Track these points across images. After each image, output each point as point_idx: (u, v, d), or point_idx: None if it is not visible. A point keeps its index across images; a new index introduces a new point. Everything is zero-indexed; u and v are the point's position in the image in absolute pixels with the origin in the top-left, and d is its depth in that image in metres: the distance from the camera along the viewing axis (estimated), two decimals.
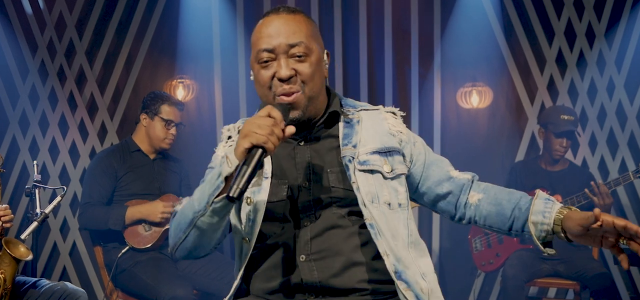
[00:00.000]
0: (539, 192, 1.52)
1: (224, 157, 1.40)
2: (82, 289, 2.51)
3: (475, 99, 4.21)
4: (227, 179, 1.38)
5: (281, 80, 1.47)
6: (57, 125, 4.22)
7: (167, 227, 3.06)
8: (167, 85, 4.26)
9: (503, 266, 3.35)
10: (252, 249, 1.49)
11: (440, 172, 1.62)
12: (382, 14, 4.15)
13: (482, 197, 1.58)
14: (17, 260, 2.33)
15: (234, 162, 1.36)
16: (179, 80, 4.26)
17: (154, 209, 3.02)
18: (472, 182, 1.62)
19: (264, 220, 1.48)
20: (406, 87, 4.21)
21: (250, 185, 1.32)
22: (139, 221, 3.03)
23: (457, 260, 4.06)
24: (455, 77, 4.23)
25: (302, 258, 1.45)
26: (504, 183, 3.64)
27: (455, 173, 1.63)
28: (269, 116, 1.37)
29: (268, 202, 1.48)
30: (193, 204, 1.45)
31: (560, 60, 4.14)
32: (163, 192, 3.18)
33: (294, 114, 1.48)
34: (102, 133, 4.24)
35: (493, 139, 4.24)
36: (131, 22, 4.23)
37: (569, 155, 3.77)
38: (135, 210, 3.02)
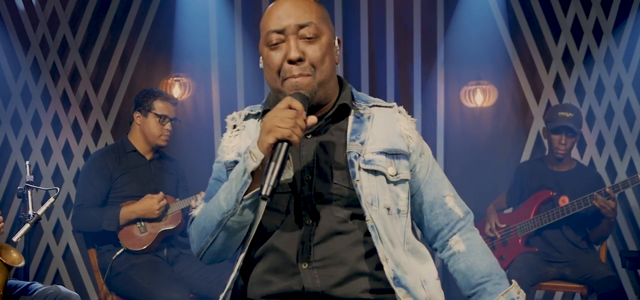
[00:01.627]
0: (510, 289, 1.52)
1: (247, 152, 1.40)
2: (75, 293, 2.51)
3: (480, 97, 4.21)
4: (253, 173, 1.38)
5: (291, 61, 1.46)
6: (50, 124, 4.22)
7: (163, 228, 3.07)
8: (163, 84, 4.26)
9: (507, 269, 3.35)
10: (251, 239, 1.49)
11: (436, 195, 1.60)
12: (384, 9, 4.15)
13: (462, 251, 1.58)
14: (9, 267, 2.33)
15: (259, 156, 1.37)
16: (175, 78, 4.26)
17: (150, 205, 3.02)
18: (464, 223, 1.60)
19: (266, 211, 1.48)
20: (408, 85, 4.21)
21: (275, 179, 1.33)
22: (135, 220, 3.03)
23: None
24: (459, 75, 4.23)
25: (305, 265, 1.44)
26: (509, 184, 3.65)
27: (451, 203, 1.60)
28: (290, 108, 1.38)
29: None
30: (219, 205, 1.45)
31: (567, 58, 4.14)
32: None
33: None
34: (96, 133, 4.24)
35: (498, 138, 4.24)
36: (126, 18, 4.23)
37: (575, 155, 3.77)
38: (129, 210, 3.02)
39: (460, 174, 3.79)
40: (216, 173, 1.62)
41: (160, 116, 3.14)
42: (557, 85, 4.13)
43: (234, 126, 1.63)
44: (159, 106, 3.15)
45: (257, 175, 1.39)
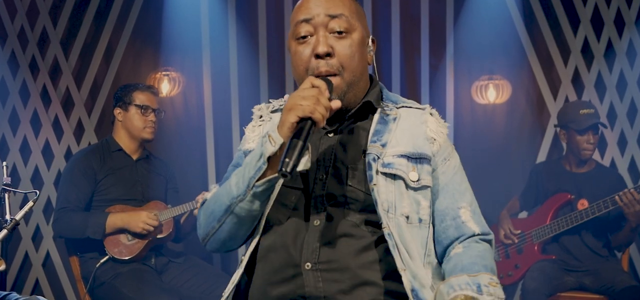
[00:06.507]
0: (481, 275, 1.42)
1: (266, 135, 1.41)
2: None
3: (492, 93, 4.21)
4: (269, 160, 1.40)
5: (318, 56, 1.49)
6: (29, 122, 4.22)
7: (152, 237, 3.07)
8: (151, 78, 4.26)
9: (523, 279, 3.36)
10: (258, 236, 1.50)
11: (449, 205, 1.54)
12: None
13: (457, 253, 1.49)
14: None
15: (278, 140, 1.38)
16: (163, 72, 4.26)
17: (136, 217, 3.02)
18: (474, 237, 1.51)
19: (274, 205, 1.50)
20: (415, 79, 4.21)
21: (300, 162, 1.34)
22: (121, 230, 3.04)
23: None
24: (470, 68, 4.23)
25: (308, 266, 1.43)
26: (523, 186, 3.65)
27: (466, 216, 1.53)
28: (313, 86, 1.40)
29: (283, 184, 1.50)
30: (229, 189, 1.47)
31: (586, 51, 4.14)
32: (147, 197, 3.19)
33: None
34: (79, 131, 4.25)
35: (512, 137, 4.24)
36: (111, 8, 4.23)
37: (596, 155, 3.77)
38: (116, 218, 3.02)
39: (471, 176, 3.75)
40: (236, 160, 1.65)
41: (141, 107, 3.17)
42: (576, 80, 4.14)
43: (260, 116, 1.66)
44: (139, 97, 3.19)
45: (274, 162, 1.40)
